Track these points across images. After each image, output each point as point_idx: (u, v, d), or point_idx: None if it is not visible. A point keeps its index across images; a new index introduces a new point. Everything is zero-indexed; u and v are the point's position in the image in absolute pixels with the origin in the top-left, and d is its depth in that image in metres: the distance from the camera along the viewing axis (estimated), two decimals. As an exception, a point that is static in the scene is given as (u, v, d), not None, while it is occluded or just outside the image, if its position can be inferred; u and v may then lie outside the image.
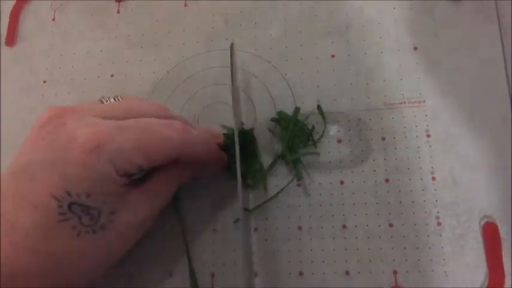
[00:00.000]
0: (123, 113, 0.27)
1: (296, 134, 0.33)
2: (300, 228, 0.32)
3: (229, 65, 0.33)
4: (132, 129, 0.26)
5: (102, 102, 0.28)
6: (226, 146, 0.32)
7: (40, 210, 0.24)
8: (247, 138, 0.33)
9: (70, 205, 0.24)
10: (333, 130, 0.34)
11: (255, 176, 0.33)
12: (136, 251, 0.33)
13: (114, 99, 0.29)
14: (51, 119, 0.26)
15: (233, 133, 0.31)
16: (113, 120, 0.26)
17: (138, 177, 0.28)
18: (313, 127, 0.34)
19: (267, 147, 0.34)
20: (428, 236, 0.31)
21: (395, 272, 0.30)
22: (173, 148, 0.27)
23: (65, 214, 0.24)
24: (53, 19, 0.41)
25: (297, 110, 0.34)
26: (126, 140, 0.25)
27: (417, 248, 0.31)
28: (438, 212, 0.31)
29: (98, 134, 0.25)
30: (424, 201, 0.31)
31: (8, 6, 0.41)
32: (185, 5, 0.39)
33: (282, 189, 0.33)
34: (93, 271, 0.27)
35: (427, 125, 0.33)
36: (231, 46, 0.33)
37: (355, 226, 0.32)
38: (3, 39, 0.41)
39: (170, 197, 0.30)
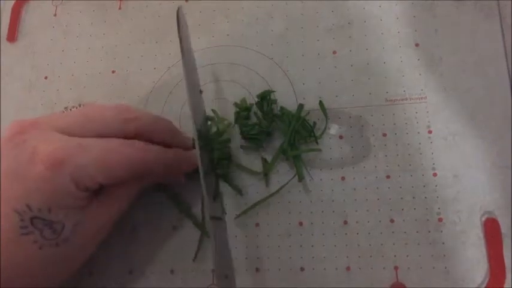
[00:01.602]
0: (84, 123, 0.28)
1: (297, 130, 0.33)
2: (301, 224, 0.32)
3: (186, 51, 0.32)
4: (94, 147, 0.27)
5: None
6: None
7: (4, 222, 0.25)
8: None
9: (32, 219, 0.25)
10: (334, 126, 0.34)
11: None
12: (137, 249, 0.33)
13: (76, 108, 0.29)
14: (13, 135, 0.26)
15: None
16: (75, 136, 0.27)
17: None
18: (315, 123, 0.34)
19: (269, 144, 0.34)
20: (429, 232, 0.31)
21: (396, 268, 0.31)
22: (133, 167, 0.28)
23: (26, 228, 0.25)
24: (55, 15, 0.41)
25: (301, 106, 0.34)
26: (87, 157, 0.26)
27: (418, 244, 0.31)
28: (439, 208, 0.31)
29: (60, 150, 0.25)
30: (425, 197, 0.31)
31: (10, 2, 0.41)
32: (186, 1, 0.39)
33: (282, 186, 0.33)
34: (55, 278, 0.28)
35: (429, 121, 0.33)
36: (178, 12, 0.31)
37: (356, 222, 0.32)
38: (5, 35, 0.41)
39: (131, 200, 0.30)
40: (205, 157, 0.31)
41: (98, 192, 0.28)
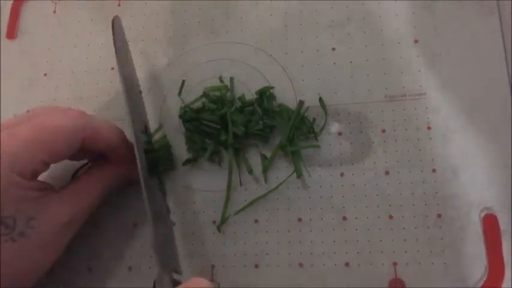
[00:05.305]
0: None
1: (297, 127, 0.33)
2: (300, 220, 0.32)
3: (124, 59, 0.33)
4: (24, 129, 0.26)
5: None
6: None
7: None
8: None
9: None
10: (333, 123, 0.34)
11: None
12: (136, 246, 0.33)
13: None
14: None
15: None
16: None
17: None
18: (314, 120, 0.34)
19: (268, 140, 0.34)
20: (428, 227, 0.31)
21: (395, 264, 0.31)
22: (70, 135, 0.28)
23: None
24: (54, 12, 0.41)
25: (301, 103, 0.34)
26: (18, 141, 0.26)
27: (417, 239, 0.31)
28: (438, 204, 0.31)
29: None
30: (424, 193, 0.31)
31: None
32: (186, -2, 0.39)
33: (281, 183, 0.33)
34: (26, 276, 0.28)
35: (428, 118, 0.33)
36: (113, 22, 0.32)
37: (355, 218, 0.32)
38: (4, 33, 0.41)
39: (98, 197, 0.30)
40: (145, 160, 0.31)
41: (58, 189, 0.28)
